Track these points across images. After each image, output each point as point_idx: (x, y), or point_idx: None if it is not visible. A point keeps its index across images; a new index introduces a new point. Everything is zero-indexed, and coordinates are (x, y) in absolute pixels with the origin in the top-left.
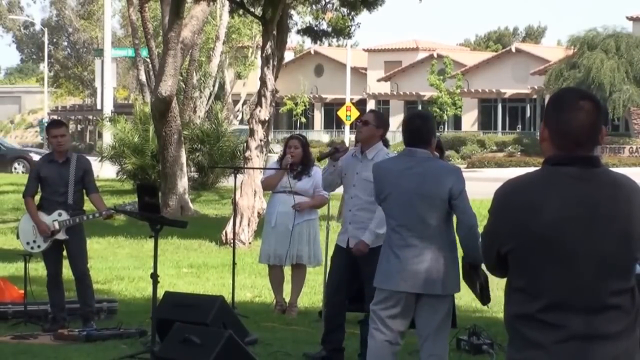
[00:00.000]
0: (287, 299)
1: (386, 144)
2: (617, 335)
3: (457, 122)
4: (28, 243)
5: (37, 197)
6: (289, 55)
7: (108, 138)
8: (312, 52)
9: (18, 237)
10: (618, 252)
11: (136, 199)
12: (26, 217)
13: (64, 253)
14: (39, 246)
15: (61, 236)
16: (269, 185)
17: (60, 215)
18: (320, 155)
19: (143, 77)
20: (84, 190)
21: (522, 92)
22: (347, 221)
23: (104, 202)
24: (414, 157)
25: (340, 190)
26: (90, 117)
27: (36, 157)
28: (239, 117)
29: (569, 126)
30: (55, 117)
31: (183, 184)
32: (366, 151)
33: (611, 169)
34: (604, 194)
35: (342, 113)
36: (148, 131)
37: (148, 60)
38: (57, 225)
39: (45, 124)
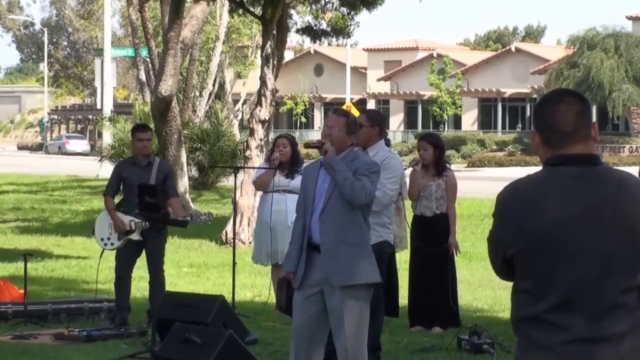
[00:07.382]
0: None
1: (388, 143)
2: (623, 335)
3: (457, 122)
4: (102, 239)
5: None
6: (288, 55)
7: (108, 138)
8: (312, 51)
9: (93, 233)
10: (623, 250)
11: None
12: (103, 214)
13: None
14: (112, 244)
15: (135, 237)
16: (262, 184)
17: (137, 216)
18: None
19: (143, 77)
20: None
21: (522, 91)
22: None
23: (182, 208)
24: None
25: None
26: (90, 116)
27: None
28: (239, 117)
29: (553, 118)
30: (55, 116)
31: (183, 183)
32: (367, 150)
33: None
34: (607, 191)
35: None
36: None
37: (148, 60)
38: (132, 226)
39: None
